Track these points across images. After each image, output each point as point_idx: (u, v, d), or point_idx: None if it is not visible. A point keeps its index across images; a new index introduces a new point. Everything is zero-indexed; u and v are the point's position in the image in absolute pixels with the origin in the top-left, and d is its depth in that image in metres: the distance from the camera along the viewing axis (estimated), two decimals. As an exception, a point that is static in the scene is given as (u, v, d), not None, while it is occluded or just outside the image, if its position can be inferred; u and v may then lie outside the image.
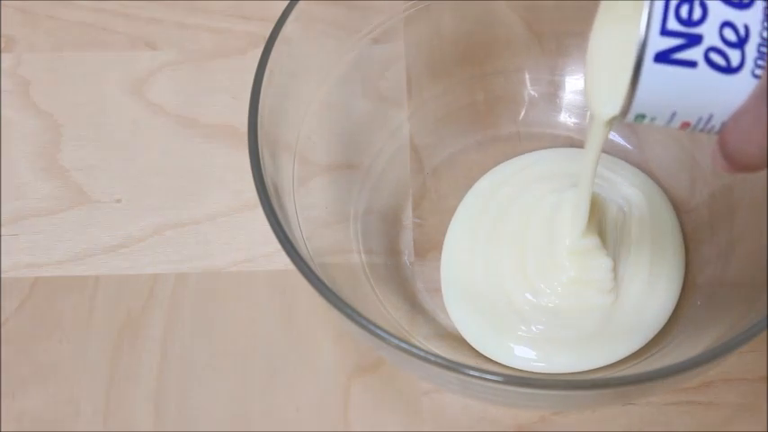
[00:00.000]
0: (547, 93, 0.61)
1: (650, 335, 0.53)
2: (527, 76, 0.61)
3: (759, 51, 0.39)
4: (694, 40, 0.38)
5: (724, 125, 0.40)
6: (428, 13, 0.58)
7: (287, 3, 0.51)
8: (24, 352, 0.56)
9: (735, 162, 0.39)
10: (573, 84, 0.61)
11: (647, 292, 0.54)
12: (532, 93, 0.61)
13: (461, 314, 0.55)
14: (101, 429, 0.54)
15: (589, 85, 0.47)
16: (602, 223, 0.55)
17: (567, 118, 0.61)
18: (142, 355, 0.55)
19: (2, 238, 0.59)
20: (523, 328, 0.54)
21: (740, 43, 0.38)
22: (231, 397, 0.54)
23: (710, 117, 0.40)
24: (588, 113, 0.48)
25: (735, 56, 0.39)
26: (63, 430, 0.54)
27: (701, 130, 0.41)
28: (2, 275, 0.58)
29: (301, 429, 0.53)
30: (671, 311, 0.54)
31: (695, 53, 0.39)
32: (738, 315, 0.49)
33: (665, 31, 0.38)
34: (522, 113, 0.61)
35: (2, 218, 0.59)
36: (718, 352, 0.43)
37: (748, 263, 0.52)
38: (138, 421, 0.54)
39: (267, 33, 0.51)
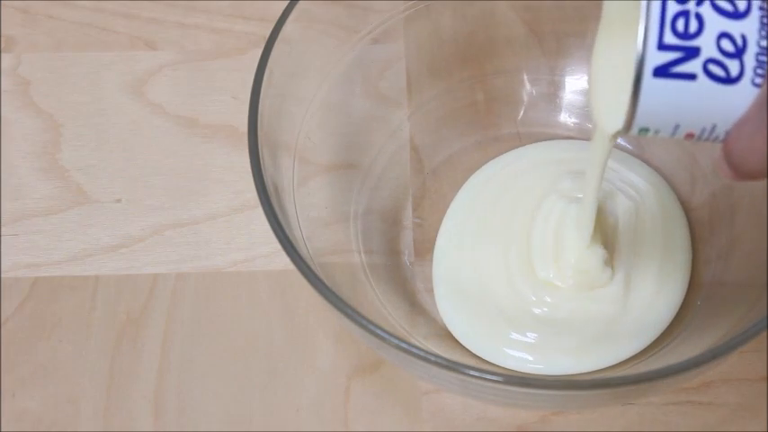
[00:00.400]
0: (547, 93, 0.61)
1: (653, 337, 0.53)
2: (527, 77, 0.61)
3: (758, 60, 0.39)
4: (692, 52, 0.39)
5: (728, 134, 0.40)
6: (428, 13, 0.58)
7: (287, 3, 0.52)
8: (24, 352, 0.56)
9: (739, 170, 0.39)
10: (573, 84, 0.61)
11: (655, 296, 0.54)
12: (532, 93, 0.61)
13: (452, 315, 0.55)
14: (101, 429, 0.54)
15: (593, 99, 0.47)
16: (610, 226, 0.55)
17: (567, 118, 0.61)
18: (142, 355, 0.55)
19: (2, 238, 0.59)
20: (515, 334, 0.53)
21: (738, 53, 0.39)
22: (231, 397, 0.54)
23: (714, 127, 0.40)
24: (592, 127, 0.48)
25: (734, 66, 0.39)
26: (63, 430, 0.54)
27: (706, 140, 0.41)
28: (2, 275, 0.58)
29: (301, 429, 0.53)
30: (675, 313, 0.54)
31: (694, 66, 0.39)
32: (738, 315, 0.49)
33: (662, 46, 0.39)
34: (522, 113, 0.61)
35: (2, 218, 0.59)
36: (718, 352, 0.43)
37: (748, 263, 0.52)
38: (138, 421, 0.54)
39: (267, 33, 0.51)
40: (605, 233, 0.55)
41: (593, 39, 0.47)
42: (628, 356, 0.52)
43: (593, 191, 0.50)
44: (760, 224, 0.52)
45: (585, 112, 0.60)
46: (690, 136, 0.41)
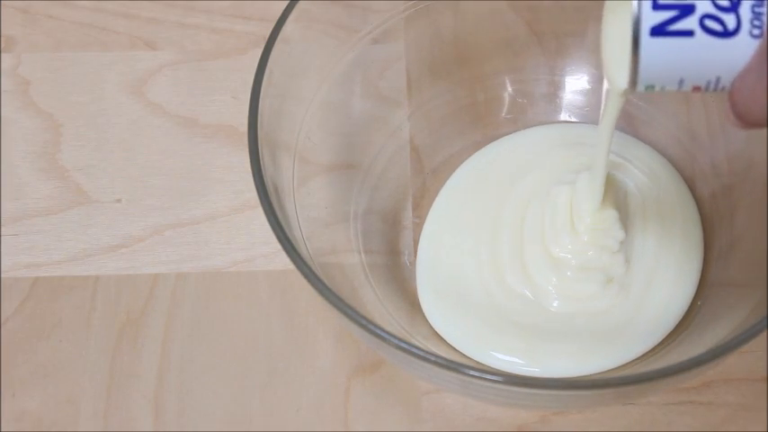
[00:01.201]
0: (547, 93, 0.61)
1: (659, 340, 0.53)
2: (527, 77, 0.61)
3: (753, 12, 0.39)
4: (687, 9, 0.40)
5: (732, 85, 0.41)
6: (428, 13, 0.58)
7: (287, 3, 0.52)
8: (24, 352, 0.56)
9: (744, 120, 0.40)
10: (573, 84, 0.61)
11: (671, 296, 0.53)
12: (532, 93, 0.61)
13: (437, 317, 0.54)
14: (101, 429, 0.54)
15: (604, 58, 0.47)
16: (627, 198, 0.55)
17: (567, 118, 0.61)
18: (142, 355, 0.55)
19: (2, 238, 0.59)
20: (501, 338, 0.53)
21: (734, 7, 0.39)
22: (231, 397, 0.54)
23: (718, 79, 0.41)
24: (604, 86, 0.49)
25: (730, 20, 0.39)
26: (63, 430, 0.54)
27: (714, 91, 0.42)
28: (2, 275, 0.58)
29: (301, 429, 0.53)
30: (682, 314, 0.54)
31: (690, 22, 0.40)
32: (739, 315, 0.49)
33: (657, 6, 0.40)
34: (523, 113, 0.61)
35: (2, 218, 0.59)
36: (718, 352, 0.43)
37: (749, 263, 0.52)
38: (138, 421, 0.54)
39: (267, 33, 0.51)
40: (619, 207, 0.55)
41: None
42: (633, 359, 0.52)
43: (603, 151, 0.51)
44: (760, 224, 0.52)
45: (586, 112, 0.60)
46: (696, 89, 0.42)
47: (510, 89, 0.61)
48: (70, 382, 0.55)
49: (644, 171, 0.57)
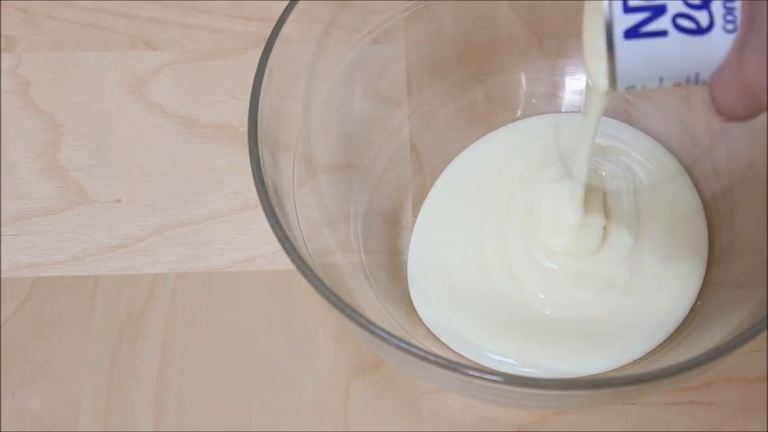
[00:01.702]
0: (547, 93, 0.61)
1: (657, 342, 0.53)
2: (527, 76, 0.61)
3: (726, 8, 0.40)
4: (659, 10, 0.40)
5: (710, 80, 0.41)
6: (428, 13, 0.58)
7: (287, 3, 0.52)
8: (24, 352, 0.56)
9: (725, 114, 0.40)
10: (573, 84, 0.61)
11: (669, 298, 0.53)
12: (532, 93, 0.61)
13: (430, 316, 0.54)
14: (101, 429, 0.54)
15: (586, 59, 0.47)
16: (608, 204, 0.55)
17: (566, 118, 0.61)
18: (142, 355, 0.55)
19: (2, 238, 0.59)
20: (496, 341, 0.53)
21: (705, 4, 0.40)
22: (231, 397, 0.54)
23: (697, 75, 0.41)
24: (585, 85, 0.49)
25: (703, 17, 0.40)
26: (63, 430, 0.54)
27: (695, 85, 0.42)
28: (2, 275, 0.58)
29: (301, 429, 0.53)
30: (684, 315, 0.54)
31: (663, 23, 0.40)
32: (739, 315, 0.49)
33: (628, 9, 0.40)
34: (522, 113, 0.61)
35: (2, 218, 0.59)
36: (718, 352, 0.43)
37: (748, 263, 0.52)
38: (138, 421, 0.54)
39: (267, 33, 0.51)
40: (620, 212, 0.55)
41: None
42: (633, 360, 0.52)
43: (587, 150, 0.50)
44: (760, 224, 0.52)
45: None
46: (677, 85, 0.42)
47: (510, 89, 0.61)
48: (70, 382, 0.55)
49: (650, 160, 0.57)
